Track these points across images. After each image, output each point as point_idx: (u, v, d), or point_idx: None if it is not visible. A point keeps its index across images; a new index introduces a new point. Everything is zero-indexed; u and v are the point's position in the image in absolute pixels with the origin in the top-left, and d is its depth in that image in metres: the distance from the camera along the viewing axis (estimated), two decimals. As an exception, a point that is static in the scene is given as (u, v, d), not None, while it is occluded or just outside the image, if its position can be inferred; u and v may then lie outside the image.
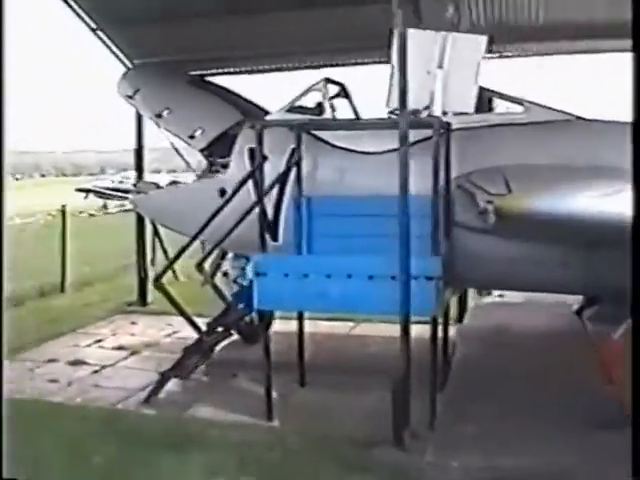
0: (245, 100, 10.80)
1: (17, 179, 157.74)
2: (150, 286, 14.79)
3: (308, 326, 9.88)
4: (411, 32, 7.69)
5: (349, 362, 10.51)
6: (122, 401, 9.21)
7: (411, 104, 7.72)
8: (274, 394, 8.63)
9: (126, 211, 26.94)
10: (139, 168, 14.76)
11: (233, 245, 9.99)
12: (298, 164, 9.20)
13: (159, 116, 10.30)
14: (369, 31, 10.94)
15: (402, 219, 7.55)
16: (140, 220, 14.82)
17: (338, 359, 10.60)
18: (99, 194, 51.83)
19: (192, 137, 10.11)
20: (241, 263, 10.76)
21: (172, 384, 9.39)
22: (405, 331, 7.68)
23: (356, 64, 13.01)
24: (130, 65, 13.28)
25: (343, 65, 12.88)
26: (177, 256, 9.32)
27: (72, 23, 12.47)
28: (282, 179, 9.35)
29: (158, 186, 11.22)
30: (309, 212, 9.11)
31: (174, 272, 16.10)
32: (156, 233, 15.08)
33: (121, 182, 51.73)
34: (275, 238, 9.54)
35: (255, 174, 9.04)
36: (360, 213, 8.83)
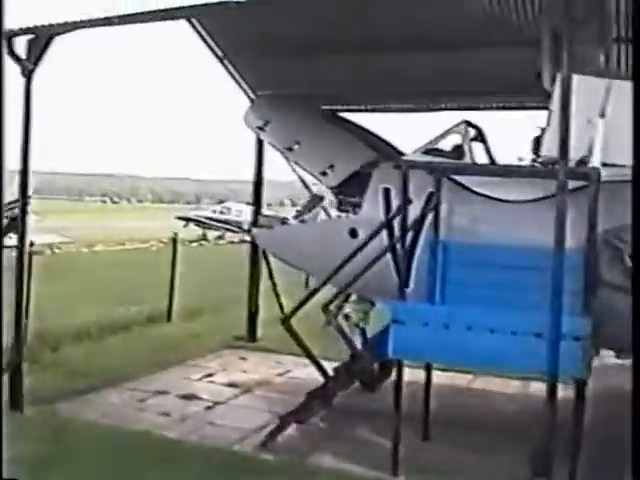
0: (377, 138, 10.49)
1: (114, 202, 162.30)
2: (259, 321, 14.62)
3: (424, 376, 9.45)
4: (576, 78, 7.26)
5: (474, 418, 9.98)
6: (238, 442, 8.86)
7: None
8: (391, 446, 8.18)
9: (237, 242, 26.77)
10: (257, 201, 14.56)
11: (358, 287, 9.68)
12: (436, 208, 8.82)
13: (290, 149, 10.06)
14: (504, 74, 10.58)
15: (556, 274, 7.09)
16: (254, 252, 14.61)
17: (461, 414, 10.08)
18: (199, 223, 52.37)
19: (324, 174, 9.83)
20: (364, 307, 10.42)
21: (289, 428, 9.03)
22: (552, 392, 7.19)
23: (486, 109, 12.56)
24: (253, 96, 13.18)
25: (474, 109, 12.42)
26: (308, 298, 9.01)
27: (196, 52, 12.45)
28: (419, 223, 8.99)
29: (283, 221, 10.97)
30: (445, 259, 8.70)
31: (281, 307, 15.93)
32: (268, 268, 14.85)
33: (222, 212, 52.29)
34: (406, 284, 9.15)
35: (394, 216, 8.68)
36: (499, 263, 8.36)
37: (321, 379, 10.74)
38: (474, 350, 7.58)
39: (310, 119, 10.42)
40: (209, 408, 10.25)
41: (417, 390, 9.07)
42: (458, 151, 9.69)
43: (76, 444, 8.25)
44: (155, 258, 19.63)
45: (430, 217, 8.83)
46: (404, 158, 9.74)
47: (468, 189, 9.14)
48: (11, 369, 9.51)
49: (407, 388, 9.15)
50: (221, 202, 71.04)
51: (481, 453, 8.59)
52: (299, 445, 8.81)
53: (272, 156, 12.37)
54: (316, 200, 10.55)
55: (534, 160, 9.73)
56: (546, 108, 8.11)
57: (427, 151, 9.59)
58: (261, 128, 10.40)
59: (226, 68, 12.95)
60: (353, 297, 10.68)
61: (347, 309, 10.56)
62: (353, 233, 9.57)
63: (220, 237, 49.83)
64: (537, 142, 8.96)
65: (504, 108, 12.52)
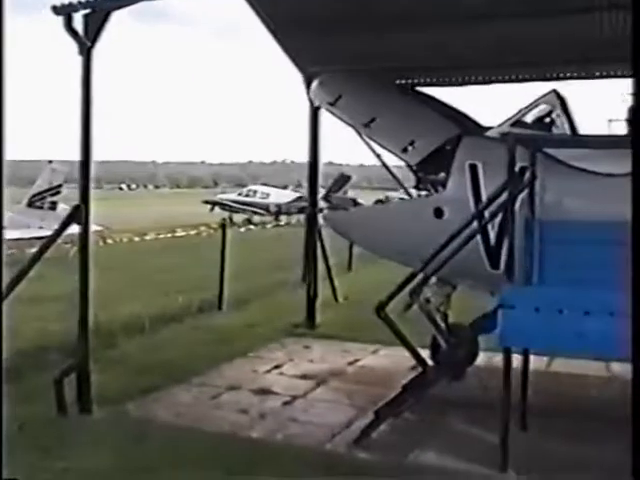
0: (457, 112, 9.88)
1: (132, 189, 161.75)
2: (317, 306, 14.09)
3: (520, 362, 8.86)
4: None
5: (567, 403, 9.40)
6: (329, 441, 8.33)
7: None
8: (493, 438, 7.62)
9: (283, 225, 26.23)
10: (313, 183, 13.95)
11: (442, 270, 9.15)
12: (532, 185, 8.24)
13: (366, 125, 9.45)
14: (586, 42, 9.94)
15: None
16: (310, 235, 14.05)
17: (553, 400, 9.48)
18: (226, 207, 52.00)
19: (404, 150, 9.22)
20: (445, 290, 9.85)
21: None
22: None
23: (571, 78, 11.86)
24: (302, 72, 12.57)
25: (556, 79, 11.73)
26: (402, 286, 8.44)
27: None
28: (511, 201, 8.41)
29: (356, 202, 10.39)
30: (543, 237, 8.13)
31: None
32: (323, 251, 14.30)
33: (247, 195, 51.90)
34: (496, 266, 8.59)
35: (496, 196, 8.09)
36: (601, 240, 7.77)
37: (392, 367, 10.28)
38: (592, 336, 6.99)
39: (386, 93, 9.83)
40: (287, 403, 9.70)
41: (498, 374, 8.50)
42: (547, 123, 9.10)
43: (166, 449, 7.75)
44: (209, 243, 19.01)
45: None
46: (493, 131, 9.16)
47: (562, 163, 8.54)
48: (78, 369, 9.02)
49: (491, 374, 8.67)
50: (241, 186, 70.77)
51: (590, 444, 8.00)
52: (395, 441, 8.25)
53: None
54: (343, 180, 10.02)
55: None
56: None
57: (514, 124, 8.99)
58: (332, 104, 9.77)
59: (281, 43, 12.29)
60: (433, 280, 10.12)
61: (427, 293, 9.98)
62: (438, 213, 8.99)
63: (249, 220, 49.63)
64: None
65: (582, 77, 11.82)
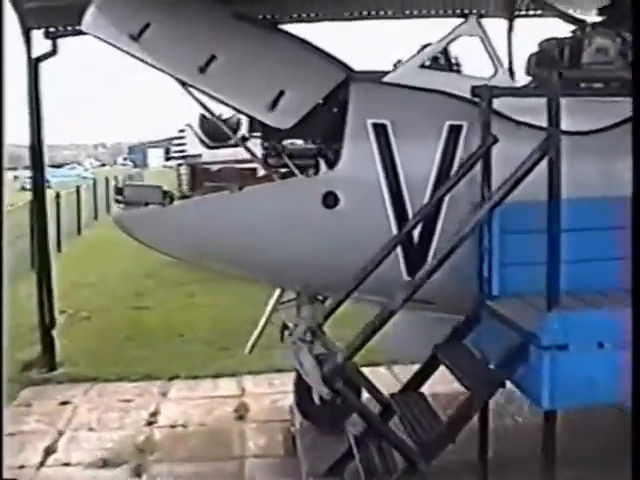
0: (326, 53, 6.73)
1: None
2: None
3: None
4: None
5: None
6: None
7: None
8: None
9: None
10: (39, 166, 9.99)
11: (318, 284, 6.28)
12: (487, 155, 5.53)
13: (201, 70, 6.00)
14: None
15: None
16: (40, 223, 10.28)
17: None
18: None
19: (272, 107, 5.93)
20: (316, 310, 6.72)
21: None
22: None
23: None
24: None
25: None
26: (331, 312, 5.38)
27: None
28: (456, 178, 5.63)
29: (168, 195, 6.90)
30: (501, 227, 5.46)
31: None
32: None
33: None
34: (414, 270, 5.73)
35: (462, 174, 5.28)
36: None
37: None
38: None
39: (229, 24, 6.35)
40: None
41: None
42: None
43: None
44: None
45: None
46: (391, 76, 6.24)
47: (509, 119, 5.90)
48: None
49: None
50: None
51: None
52: None
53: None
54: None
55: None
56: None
57: (425, 64, 6.20)
58: (135, 37, 6.11)
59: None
60: (287, 296, 7.05)
61: (289, 317, 6.86)
62: (329, 200, 5.94)
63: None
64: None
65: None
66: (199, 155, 26.86)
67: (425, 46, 6.50)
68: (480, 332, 5.51)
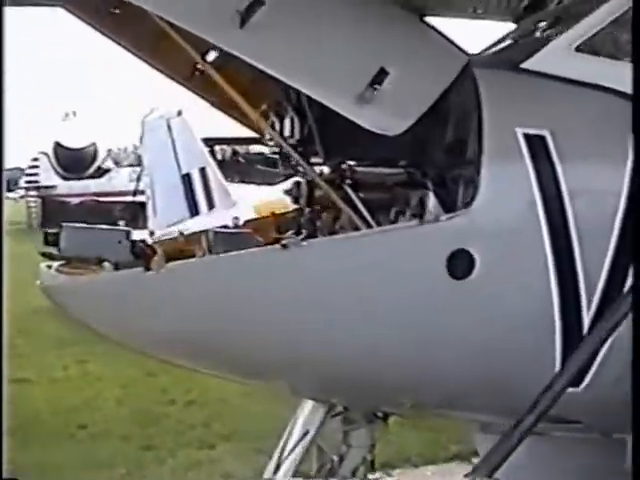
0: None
1: None
2: None
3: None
4: None
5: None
6: None
7: None
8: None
9: None
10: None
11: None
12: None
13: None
14: None
15: None
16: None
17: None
18: None
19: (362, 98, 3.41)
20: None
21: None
22: None
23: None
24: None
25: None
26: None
27: None
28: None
29: (141, 241, 4.28)
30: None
31: None
32: None
33: None
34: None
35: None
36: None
37: None
38: None
39: None
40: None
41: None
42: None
43: None
44: None
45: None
46: (535, 60, 3.90)
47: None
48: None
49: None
50: None
51: None
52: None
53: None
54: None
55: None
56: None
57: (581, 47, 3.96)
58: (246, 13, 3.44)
59: None
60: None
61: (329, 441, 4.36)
62: (459, 264, 3.53)
63: None
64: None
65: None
66: (54, 186, 24.49)
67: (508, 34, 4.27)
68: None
